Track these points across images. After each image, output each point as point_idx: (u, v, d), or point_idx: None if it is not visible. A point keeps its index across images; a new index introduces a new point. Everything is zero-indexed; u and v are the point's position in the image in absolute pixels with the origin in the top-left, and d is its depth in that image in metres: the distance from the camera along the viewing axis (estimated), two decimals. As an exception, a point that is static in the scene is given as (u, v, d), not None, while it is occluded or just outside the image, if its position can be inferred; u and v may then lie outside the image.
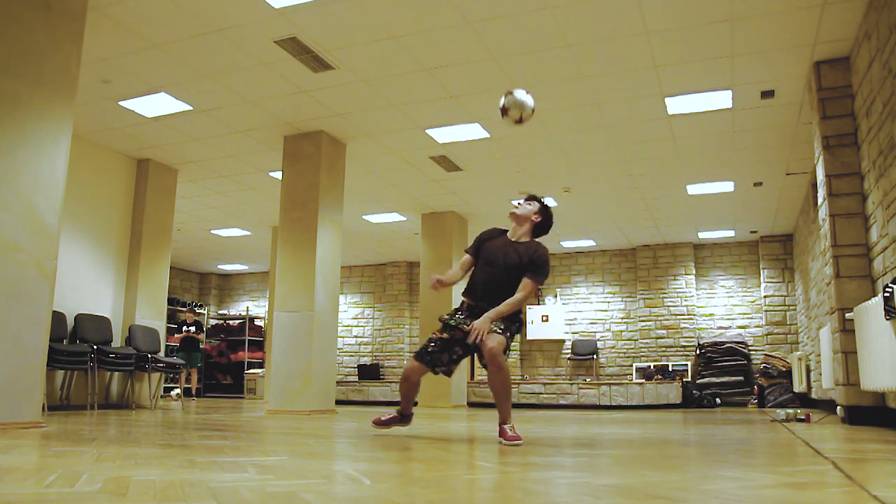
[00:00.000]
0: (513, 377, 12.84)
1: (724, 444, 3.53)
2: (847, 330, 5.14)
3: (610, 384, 10.83)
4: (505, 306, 3.58)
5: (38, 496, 1.69)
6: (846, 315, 5.05)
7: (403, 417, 3.96)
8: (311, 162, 7.44)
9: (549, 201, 9.85)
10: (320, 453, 2.89)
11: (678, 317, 12.37)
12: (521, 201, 3.89)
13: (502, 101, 3.81)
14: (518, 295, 3.62)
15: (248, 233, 12.09)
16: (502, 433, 3.45)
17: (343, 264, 13.62)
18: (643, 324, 12.60)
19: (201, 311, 15.22)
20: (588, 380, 11.98)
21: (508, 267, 3.67)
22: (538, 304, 13.43)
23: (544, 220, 3.84)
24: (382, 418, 4.00)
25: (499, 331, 3.54)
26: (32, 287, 4.22)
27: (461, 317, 3.70)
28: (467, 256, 3.90)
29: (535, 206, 3.84)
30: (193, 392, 12.43)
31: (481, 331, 3.49)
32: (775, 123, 7.01)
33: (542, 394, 10.88)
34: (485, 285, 3.71)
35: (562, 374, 12.99)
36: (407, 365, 3.81)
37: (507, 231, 3.88)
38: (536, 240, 3.82)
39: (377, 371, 13.74)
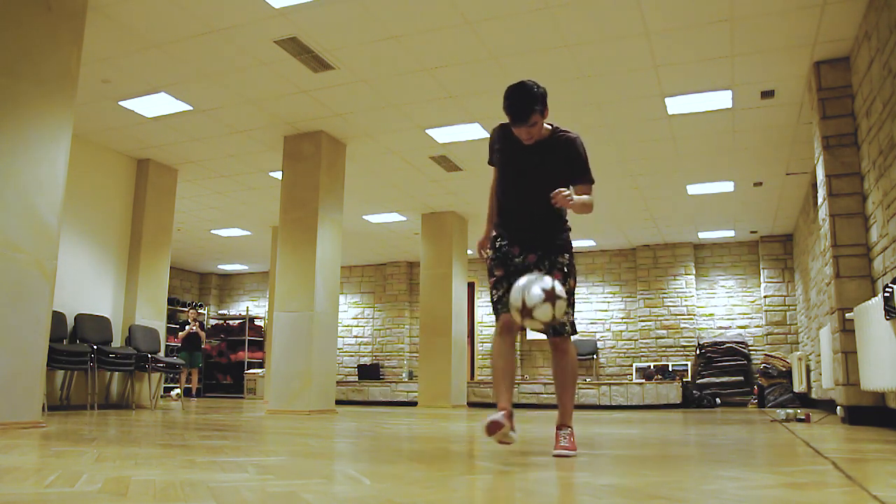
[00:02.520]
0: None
1: (724, 444, 3.53)
2: (847, 330, 5.14)
3: (610, 384, 10.84)
4: (582, 201, 2.89)
5: (38, 496, 1.69)
6: (846, 315, 5.05)
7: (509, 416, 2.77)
8: (311, 162, 7.44)
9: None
10: (320, 453, 2.89)
11: (678, 317, 12.37)
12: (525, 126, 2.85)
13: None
14: (587, 198, 2.92)
15: (248, 233, 12.09)
16: (556, 440, 2.84)
17: (343, 264, 13.60)
18: (643, 324, 12.59)
19: (202, 310, 15.22)
20: (588, 380, 11.98)
21: (543, 176, 2.90)
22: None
23: (544, 100, 2.85)
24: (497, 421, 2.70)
25: (564, 270, 2.92)
26: (32, 287, 4.22)
27: (506, 248, 2.99)
28: (494, 173, 3.14)
29: (537, 109, 2.81)
30: (193, 392, 12.43)
31: (562, 196, 2.74)
32: (775, 123, 7.01)
33: (542, 394, 10.88)
34: (523, 208, 2.99)
35: (562, 374, 12.98)
36: (497, 327, 2.98)
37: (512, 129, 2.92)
38: (557, 126, 2.97)
39: (377, 371, 13.74)
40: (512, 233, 3.02)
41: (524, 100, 2.81)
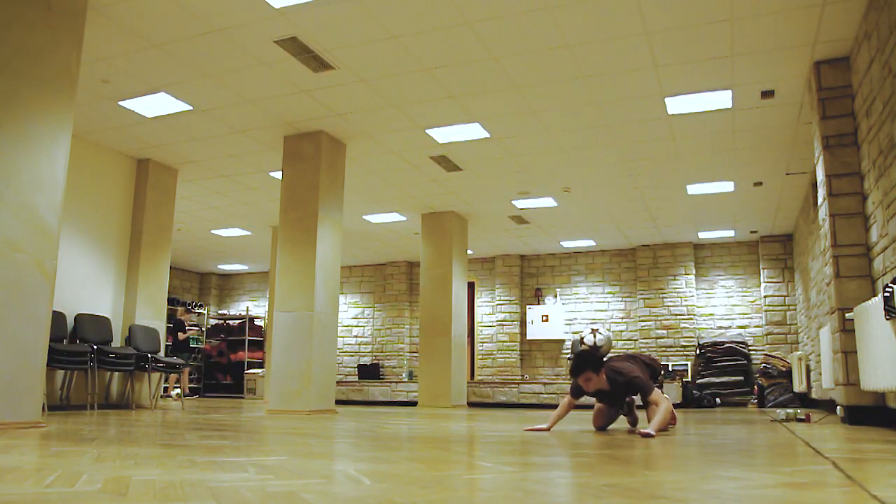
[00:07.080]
0: (513, 377, 12.86)
1: (724, 444, 3.53)
2: (847, 330, 5.14)
3: (610, 384, 10.81)
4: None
5: (38, 496, 1.69)
6: (846, 315, 5.05)
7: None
8: (311, 162, 7.44)
9: (550, 202, 9.87)
10: (320, 453, 2.89)
11: (678, 317, 12.37)
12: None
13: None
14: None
15: (248, 233, 12.09)
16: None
17: (343, 264, 13.62)
18: (643, 324, 12.60)
19: (200, 310, 15.21)
20: (588, 380, 11.96)
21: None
22: (538, 304, 13.43)
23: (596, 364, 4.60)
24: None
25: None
26: (32, 287, 4.22)
27: None
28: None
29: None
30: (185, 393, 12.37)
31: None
32: (775, 123, 7.01)
33: (542, 394, 10.88)
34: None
35: (562, 374, 12.99)
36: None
37: None
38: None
39: (377, 371, 13.75)
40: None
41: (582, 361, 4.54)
